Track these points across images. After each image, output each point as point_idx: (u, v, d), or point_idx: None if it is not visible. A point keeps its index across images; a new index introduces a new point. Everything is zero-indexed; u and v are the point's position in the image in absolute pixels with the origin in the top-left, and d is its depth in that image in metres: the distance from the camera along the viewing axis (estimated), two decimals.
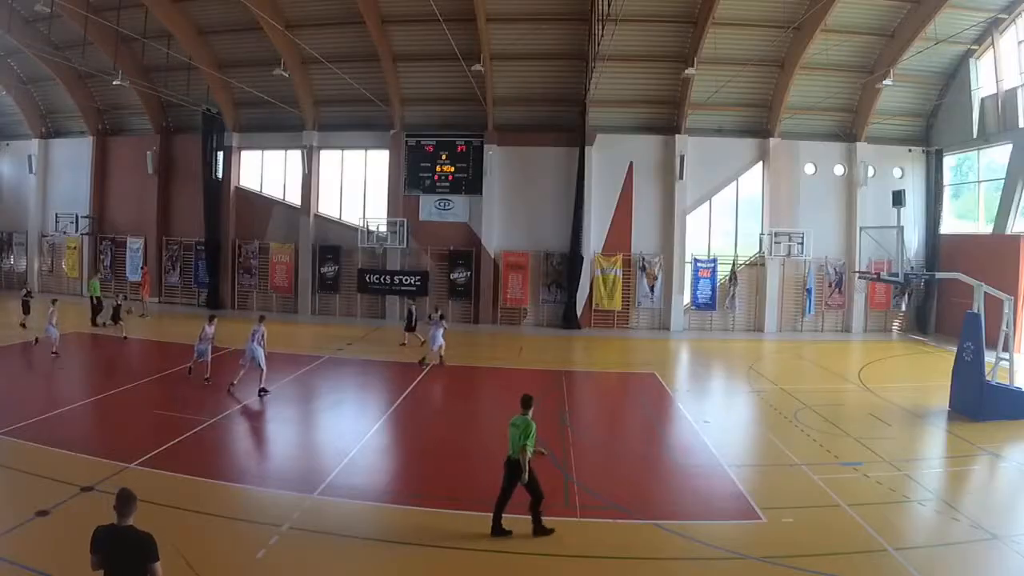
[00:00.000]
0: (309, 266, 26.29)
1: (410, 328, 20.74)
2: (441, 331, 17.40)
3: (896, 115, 24.69)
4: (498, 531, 7.85)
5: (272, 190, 27.33)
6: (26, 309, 20.92)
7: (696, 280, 24.79)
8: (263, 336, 14.17)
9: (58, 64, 25.52)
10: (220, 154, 26.60)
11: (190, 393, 14.11)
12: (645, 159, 24.65)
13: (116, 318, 20.92)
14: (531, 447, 7.78)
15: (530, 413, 8.00)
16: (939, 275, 19.72)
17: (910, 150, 24.99)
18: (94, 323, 21.68)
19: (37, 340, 17.70)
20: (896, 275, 16.14)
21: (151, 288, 26.20)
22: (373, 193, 26.27)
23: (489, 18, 21.82)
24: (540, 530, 7.85)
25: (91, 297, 22.41)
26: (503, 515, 7.87)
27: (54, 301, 18.09)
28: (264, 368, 13.94)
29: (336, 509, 8.67)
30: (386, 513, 8.77)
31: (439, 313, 18.62)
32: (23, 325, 20.24)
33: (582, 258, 24.35)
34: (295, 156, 26.58)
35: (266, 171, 27.38)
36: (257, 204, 27.19)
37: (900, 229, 16.17)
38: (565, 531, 8.16)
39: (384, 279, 25.59)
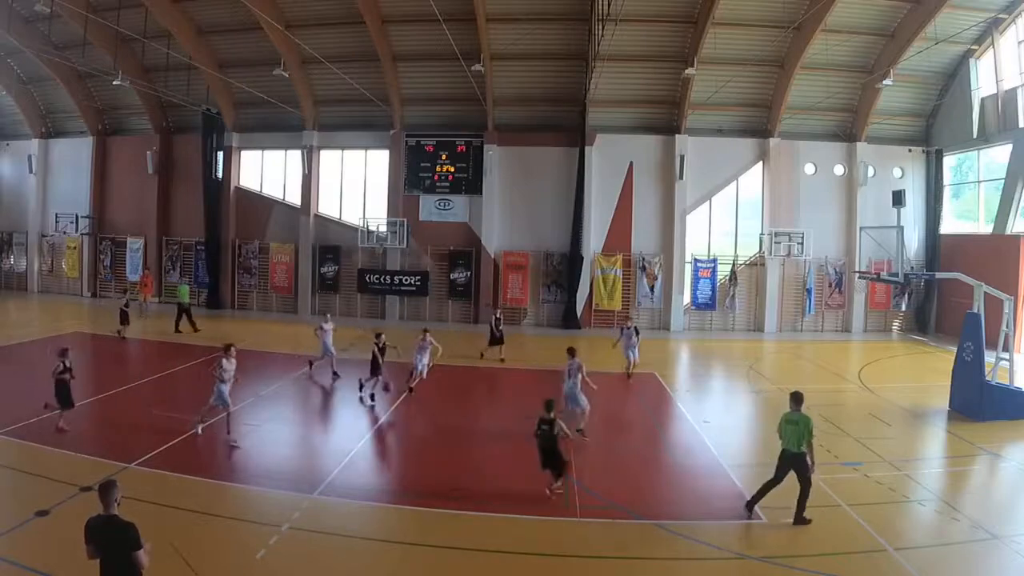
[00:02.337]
0: (309, 266, 26.28)
1: (497, 340, 18.55)
2: (637, 344, 16.98)
3: (896, 115, 24.68)
4: (751, 508, 8.59)
5: (272, 190, 27.32)
6: (125, 319, 19.73)
7: (696, 280, 24.79)
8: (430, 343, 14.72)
9: (58, 64, 25.53)
10: (220, 154, 26.60)
11: (191, 393, 14.09)
12: (645, 159, 24.64)
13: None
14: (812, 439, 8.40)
15: (802, 408, 8.53)
16: (939, 275, 19.75)
17: (910, 150, 24.98)
18: (177, 329, 20.85)
19: (312, 364, 16.13)
20: (896, 275, 16.13)
21: (151, 288, 26.07)
22: (373, 193, 26.26)
23: (489, 18, 21.82)
24: (801, 519, 8.30)
25: (179, 303, 21.50)
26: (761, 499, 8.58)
27: (326, 315, 16.81)
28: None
29: (336, 509, 8.67)
30: (386, 513, 8.78)
31: (633, 324, 17.68)
32: (121, 335, 19.35)
33: (582, 258, 24.35)
34: (295, 156, 26.57)
35: (266, 171, 27.37)
36: (257, 204, 27.18)
37: (900, 229, 16.15)
38: (565, 531, 8.17)
39: (384, 279, 25.57)
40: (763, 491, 8.55)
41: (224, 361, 11.14)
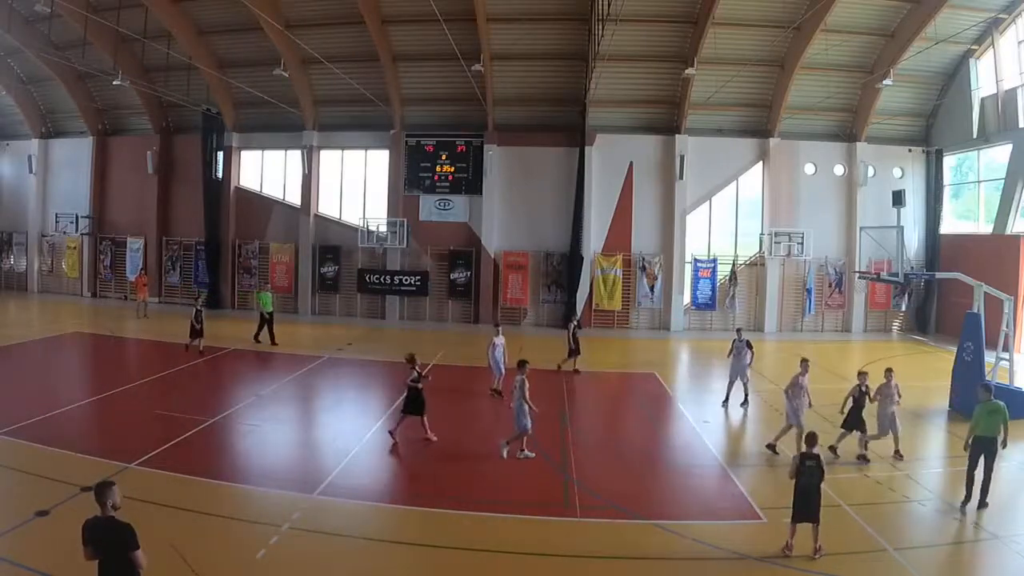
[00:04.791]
0: (309, 266, 26.27)
1: (576, 350, 16.88)
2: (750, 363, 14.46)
3: (896, 115, 24.68)
4: (978, 502, 8.82)
5: (272, 190, 27.31)
6: (197, 329, 17.63)
7: (696, 280, 24.78)
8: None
9: (58, 64, 25.51)
10: (220, 154, 26.58)
11: (191, 393, 14.12)
12: (645, 159, 24.64)
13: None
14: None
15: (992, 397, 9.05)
16: (939, 275, 19.76)
17: (910, 150, 24.98)
18: (257, 339, 19.54)
19: (498, 392, 14.58)
20: (896, 275, 16.14)
21: (150, 288, 25.95)
22: (373, 193, 26.25)
23: (489, 18, 21.81)
24: (983, 503, 8.81)
25: (261, 312, 19.85)
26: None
27: (498, 328, 15.28)
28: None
29: (336, 509, 8.67)
30: (386, 513, 8.78)
31: (746, 337, 14.74)
32: (200, 351, 17.53)
33: (582, 258, 24.34)
34: (295, 156, 26.56)
35: (266, 171, 27.35)
36: (257, 204, 27.17)
37: (900, 229, 16.16)
38: (565, 531, 8.17)
39: (384, 279, 25.56)
40: (971, 484, 8.81)
41: (526, 380, 10.41)
